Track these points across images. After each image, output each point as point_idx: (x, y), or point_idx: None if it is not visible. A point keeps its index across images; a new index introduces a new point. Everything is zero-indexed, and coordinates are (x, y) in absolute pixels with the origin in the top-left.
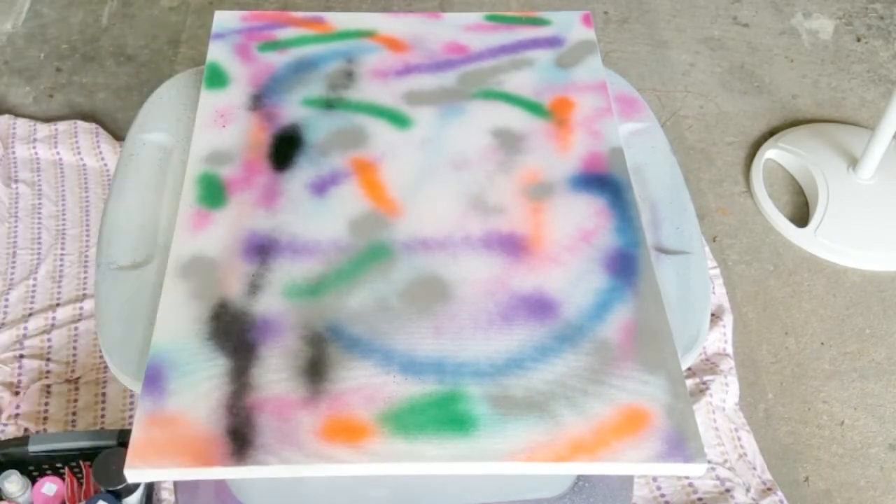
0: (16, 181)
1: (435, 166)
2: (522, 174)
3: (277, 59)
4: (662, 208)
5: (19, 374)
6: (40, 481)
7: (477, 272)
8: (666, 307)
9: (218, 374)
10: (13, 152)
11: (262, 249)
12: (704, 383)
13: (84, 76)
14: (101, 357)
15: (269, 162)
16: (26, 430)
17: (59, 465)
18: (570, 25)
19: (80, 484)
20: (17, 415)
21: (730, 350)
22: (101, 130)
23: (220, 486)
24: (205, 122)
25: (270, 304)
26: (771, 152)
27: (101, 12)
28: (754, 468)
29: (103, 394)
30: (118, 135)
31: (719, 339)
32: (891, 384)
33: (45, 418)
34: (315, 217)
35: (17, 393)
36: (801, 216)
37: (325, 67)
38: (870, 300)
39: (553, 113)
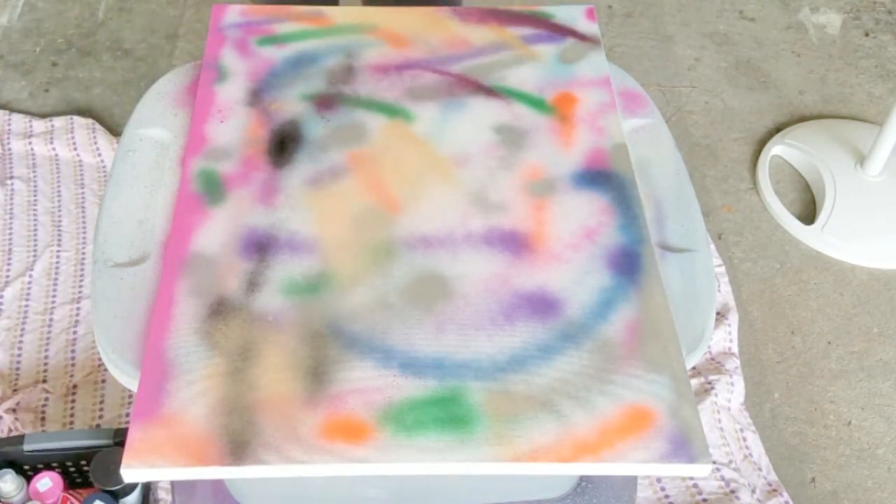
0: (11, 177)
1: (436, 163)
2: (525, 171)
3: (276, 54)
4: (667, 205)
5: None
6: (36, 476)
7: (478, 270)
8: (670, 305)
9: (216, 372)
10: (9, 148)
11: (260, 246)
12: (709, 383)
13: (80, 71)
14: (99, 356)
15: (267, 158)
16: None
17: (54, 464)
18: (574, 20)
19: (77, 484)
20: (14, 409)
21: (735, 349)
22: (97, 126)
23: (218, 486)
24: (202, 118)
25: (269, 301)
26: (777, 148)
27: (98, 6)
28: (760, 469)
29: (101, 393)
30: (115, 130)
31: (724, 338)
32: None
33: (43, 418)
34: (314, 214)
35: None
36: (808, 213)
37: (324, 62)
38: (878, 298)
39: (556, 108)
